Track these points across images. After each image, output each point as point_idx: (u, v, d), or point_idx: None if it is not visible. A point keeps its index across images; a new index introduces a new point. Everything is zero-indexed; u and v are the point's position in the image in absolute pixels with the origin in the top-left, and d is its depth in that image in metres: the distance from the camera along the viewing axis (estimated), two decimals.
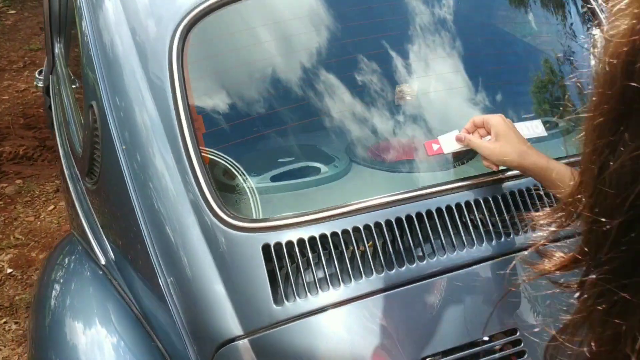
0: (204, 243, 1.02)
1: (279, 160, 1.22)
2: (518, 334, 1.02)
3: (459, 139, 1.09)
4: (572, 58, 1.48)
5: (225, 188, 1.11)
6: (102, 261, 1.27)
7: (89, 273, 1.35)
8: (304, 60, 1.31)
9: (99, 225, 1.31)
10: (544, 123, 1.28)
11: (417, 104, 1.31)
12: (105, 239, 1.28)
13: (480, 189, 1.09)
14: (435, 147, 1.11)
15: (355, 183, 1.19)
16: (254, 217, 1.05)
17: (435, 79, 1.38)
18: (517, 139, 1.02)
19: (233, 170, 1.14)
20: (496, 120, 1.04)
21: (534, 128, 1.19)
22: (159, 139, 1.08)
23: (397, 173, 1.22)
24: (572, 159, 1.18)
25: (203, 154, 1.08)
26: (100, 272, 1.27)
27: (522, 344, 1.02)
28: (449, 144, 1.11)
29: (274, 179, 1.17)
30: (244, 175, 1.14)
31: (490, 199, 1.08)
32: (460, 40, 1.43)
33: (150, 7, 1.17)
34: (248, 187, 1.12)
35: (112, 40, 1.20)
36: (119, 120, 1.14)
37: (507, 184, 1.11)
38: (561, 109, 1.42)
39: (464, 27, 1.42)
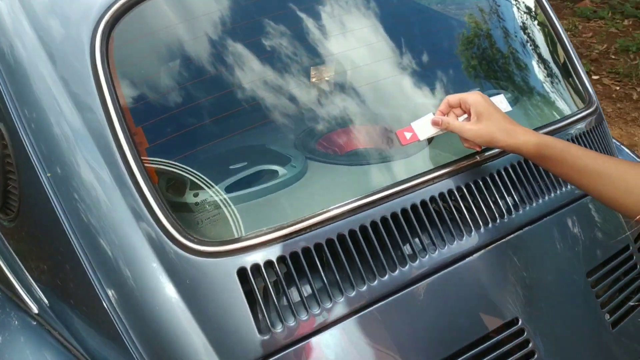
0: (166, 276, 0.86)
1: (231, 167, 1.07)
2: (520, 322, 0.96)
3: (435, 123, 1.00)
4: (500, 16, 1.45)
5: (179, 208, 0.96)
6: (35, 310, 1.07)
7: (17, 322, 1.14)
8: (242, 53, 1.17)
9: (24, 269, 1.10)
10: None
11: (362, 88, 1.22)
12: (34, 283, 1.08)
13: (462, 174, 1.01)
14: (408, 135, 1.02)
15: (319, 182, 1.08)
16: (221, 237, 0.91)
17: (373, 59, 1.29)
18: (501, 116, 0.93)
19: (184, 185, 0.99)
20: (475, 98, 0.95)
21: (498, 103, 1.13)
22: (93, 159, 0.90)
23: (359, 166, 1.11)
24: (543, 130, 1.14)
25: (149, 171, 0.92)
26: (34, 323, 1.07)
27: (525, 333, 0.96)
28: (423, 129, 1.01)
29: (229, 189, 1.03)
30: (198, 189, 0.99)
31: (472, 184, 1.01)
32: (397, 25, 1.35)
33: (60, 1, 0.97)
34: (205, 203, 0.97)
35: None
36: (37, 142, 0.95)
37: (490, 164, 1.04)
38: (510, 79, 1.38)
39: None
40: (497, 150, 1.04)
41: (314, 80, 1.23)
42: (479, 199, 1.00)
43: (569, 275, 1.04)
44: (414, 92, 1.25)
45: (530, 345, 0.96)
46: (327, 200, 0.99)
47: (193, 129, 1.03)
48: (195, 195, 0.99)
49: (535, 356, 0.96)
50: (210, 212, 0.95)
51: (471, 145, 0.99)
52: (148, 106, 0.99)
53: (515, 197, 1.04)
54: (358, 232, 0.91)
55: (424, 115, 1.03)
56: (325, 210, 0.92)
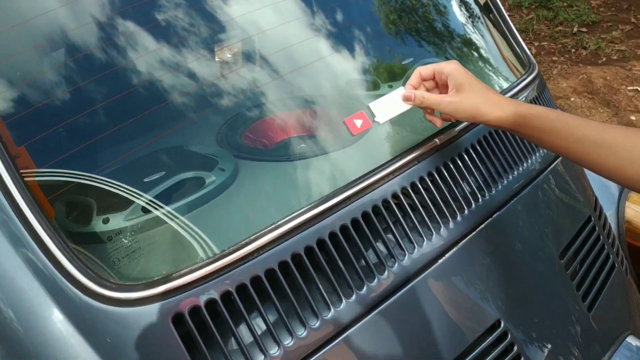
0: (79, 338, 0.66)
1: (146, 180, 0.87)
2: (502, 325, 0.85)
3: (407, 99, 0.84)
4: None
5: (86, 241, 0.75)
6: None
7: None
8: (139, 39, 0.96)
9: None
10: None
11: (291, 63, 1.05)
12: None
13: (424, 163, 0.87)
14: (358, 122, 0.86)
15: (257, 187, 0.91)
16: (146, 277, 0.71)
17: (302, 30, 1.12)
18: (483, 87, 0.81)
19: (89, 210, 0.79)
20: (453, 68, 0.81)
21: None
22: None
23: (302, 160, 0.95)
24: None
25: (39, 200, 0.70)
26: None
27: (509, 336, 0.85)
28: (386, 109, 0.85)
29: (147, 209, 0.83)
30: (108, 213, 0.79)
31: (435, 172, 0.88)
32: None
33: None
34: (120, 233, 0.77)
35: None
36: None
37: (452, 146, 0.91)
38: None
39: None
40: (458, 127, 0.91)
41: (229, 58, 1.05)
42: (444, 190, 0.88)
43: (544, 260, 0.95)
44: (347, 64, 1.11)
45: (515, 348, 0.85)
46: (273, 210, 0.83)
47: (93, 142, 0.82)
48: (105, 221, 0.79)
49: (522, 359, 0.85)
50: (128, 244, 0.75)
51: (446, 119, 0.86)
52: (30, 119, 0.77)
53: (480, 180, 0.92)
54: (315, 247, 0.75)
55: (382, 94, 0.87)
56: (273, 225, 0.76)
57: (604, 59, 3.72)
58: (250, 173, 0.94)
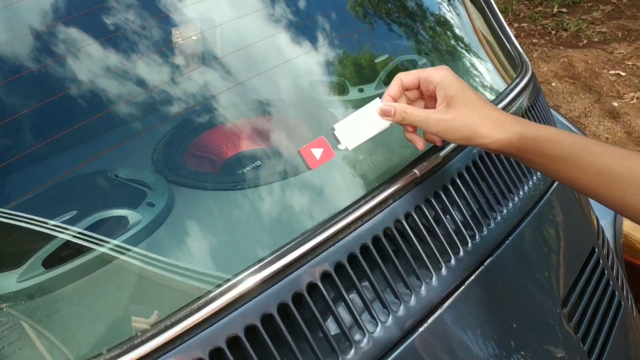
0: None
1: (51, 223, 0.68)
2: None
3: (386, 113, 0.67)
4: None
5: None
6: None
7: None
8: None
9: None
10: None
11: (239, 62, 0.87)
12: None
13: (403, 198, 0.70)
14: (317, 152, 0.67)
15: (201, 225, 0.72)
16: None
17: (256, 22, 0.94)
18: (480, 101, 0.64)
19: None
20: (442, 76, 0.64)
21: None
22: None
23: (255, 189, 0.77)
24: None
25: None
26: None
27: None
28: (356, 131, 0.67)
29: (41, 271, 0.65)
30: None
31: (424, 206, 0.70)
32: None
33: None
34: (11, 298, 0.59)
35: None
36: None
37: (440, 173, 0.73)
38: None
39: None
40: (442, 152, 0.74)
41: (166, 58, 0.86)
42: (426, 236, 0.70)
43: (543, 314, 0.79)
44: (304, 61, 0.93)
45: None
46: (220, 262, 0.64)
47: None
48: None
49: None
50: (9, 331, 0.56)
51: (431, 140, 0.69)
52: None
53: (468, 218, 0.75)
54: (276, 316, 0.58)
55: (350, 112, 0.69)
56: (226, 284, 0.58)
57: (585, 41, 3.58)
58: (190, 206, 0.75)
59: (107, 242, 0.68)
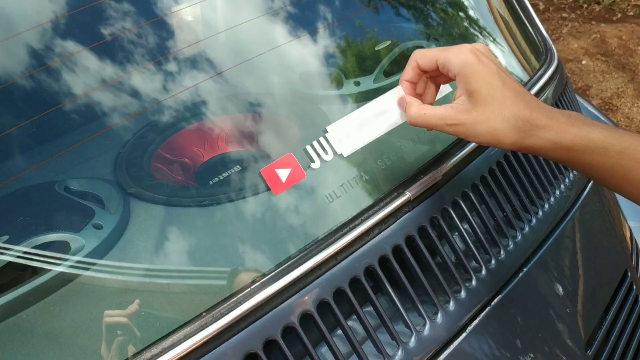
0: None
1: None
2: None
3: (402, 102, 0.57)
4: None
5: None
6: None
7: None
8: None
9: None
10: None
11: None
12: None
13: (417, 210, 0.57)
14: (284, 174, 0.54)
15: (148, 255, 0.61)
16: None
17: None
18: (509, 95, 0.52)
19: None
20: (463, 61, 0.53)
21: None
22: None
23: (229, 204, 0.65)
24: None
25: None
26: None
27: None
28: (352, 134, 0.56)
29: None
30: None
31: (429, 226, 0.57)
32: None
33: None
34: None
35: None
36: None
37: (436, 195, 0.61)
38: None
39: None
40: (451, 161, 0.61)
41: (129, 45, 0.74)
42: (430, 261, 0.58)
43: (565, 355, 0.66)
44: (292, 48, 0.81)
45: None
46: (182, 298, 0.54)
47: None
48: None
49: None
50: None
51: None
52: None
53: (483, 240, 0.62)
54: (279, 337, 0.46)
55: (344, 108, 0.58)
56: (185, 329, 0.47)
57: (619, 15, 3.34)
58: (147, 227, 0.64)
59: (42, 273, 0.57)
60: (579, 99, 1.17)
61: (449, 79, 0.58)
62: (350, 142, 0.57)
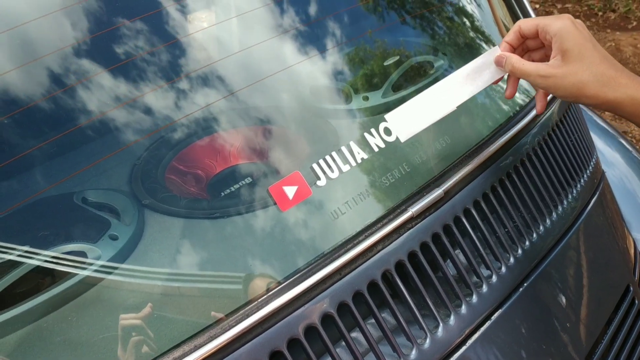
0: None
1: None
2: None
3: (497, 62, 0.67)
4: None
5: None
6: None
7: None
8: None
9: None
10: None
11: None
12: None
13: (420, 227, 0.59)
14: (291, 191, 0.57)
15: (163, 265, 0.63)
16: None
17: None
18: (598, 56, 0.61)
19: None
20: (561, 26, 0.62)
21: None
22: None
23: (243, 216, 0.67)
24: None
25: None
26: None
27: None
28: (414, 119, 0.62)
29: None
30: None
31: (432, 242, 0.60)
32: None
33: None
34: None
35: None
36: None
37: (441, 211, 0.63)
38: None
39: None
40: (454, 179, 0.63)
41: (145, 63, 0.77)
42: (432, 276, 0.60)
43: None
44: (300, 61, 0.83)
45: None
46: (195, 308, 0.56)
47: None
48: None
49: None
50: None
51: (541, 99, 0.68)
52: None
53: (485, 253, 0.64)
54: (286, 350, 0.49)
55: (351, 122, 0.60)
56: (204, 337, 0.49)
57: (634, 23, 3.33)
58: (161, 239, 0.67)
59: (60, 283, 0.60)
60: (589, 113, 1.18)
61: (542, 56, 0.67)
62: (409, 127, 0.63)
